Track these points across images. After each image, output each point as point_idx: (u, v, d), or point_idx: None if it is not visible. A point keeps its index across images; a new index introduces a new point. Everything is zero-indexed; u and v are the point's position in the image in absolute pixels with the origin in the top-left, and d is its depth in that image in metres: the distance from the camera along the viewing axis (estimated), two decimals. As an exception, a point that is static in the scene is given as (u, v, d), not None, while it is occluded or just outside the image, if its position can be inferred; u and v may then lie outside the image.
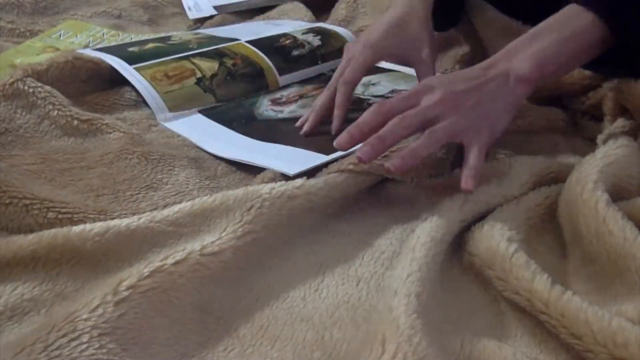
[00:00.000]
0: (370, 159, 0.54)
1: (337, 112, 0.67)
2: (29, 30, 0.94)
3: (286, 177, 0.59)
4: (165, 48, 0.81)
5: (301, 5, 1.06)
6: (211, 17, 1.06)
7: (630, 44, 0.58)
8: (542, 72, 0.57)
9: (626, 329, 0.40)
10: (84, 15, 1.02)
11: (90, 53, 0.75)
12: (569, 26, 0.58)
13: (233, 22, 1.04)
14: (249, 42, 0.84)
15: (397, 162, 0.53)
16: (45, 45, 0.85)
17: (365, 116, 0.55)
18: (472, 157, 0.54)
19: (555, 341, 0.44)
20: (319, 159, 0.62)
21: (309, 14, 1.03)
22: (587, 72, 0.69)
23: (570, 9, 0.59)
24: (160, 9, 1.09)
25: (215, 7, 1.08)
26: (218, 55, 0.80)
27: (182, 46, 0.82)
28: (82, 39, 0.88)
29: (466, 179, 0.53)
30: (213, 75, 0.76)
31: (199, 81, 0.75)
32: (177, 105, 0.72)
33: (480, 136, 0.55)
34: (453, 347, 0.42)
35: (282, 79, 0.81)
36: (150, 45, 0.83)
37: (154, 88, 0.72)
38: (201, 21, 1.06)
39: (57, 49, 0.84)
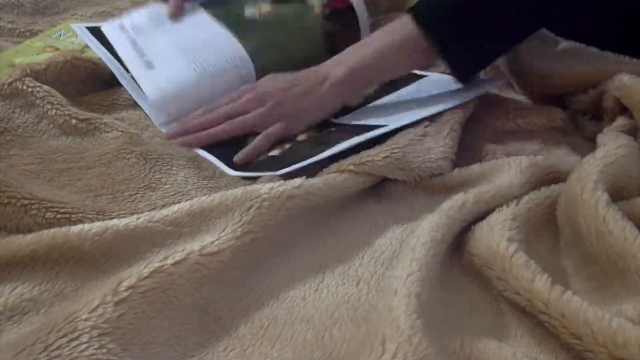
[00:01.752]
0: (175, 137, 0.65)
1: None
2: (29, 30, 0.94)
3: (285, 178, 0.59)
4: None
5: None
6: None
7: (452, 55, 0.65)
8: (355, 77, 0.66)
9: (626, 329, 0.40)
10: (84, 15, 1.02)
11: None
12: (392, 36, 0.66)
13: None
14: None
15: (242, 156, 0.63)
16: (45, 45, 0.85)
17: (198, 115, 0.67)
18: (256, 140, 0.64)
19: (555, 341, 0.44)
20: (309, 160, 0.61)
21: None
22: (586, 70, 0.69)
23: (402, 18, 0.66)
24: (159, 9, 1.09)
25: None
26: None
27: None
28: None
29: (239, 154, 0.63)
30: None
31: None
32: None
33: (287, 131, 0.66)
34: (453, 347, 0.42)
35: None
36: None
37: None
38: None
39: (57, 49, 0.84)
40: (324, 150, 0.62)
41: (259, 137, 0.64)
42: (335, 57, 0.69)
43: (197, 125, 0.66)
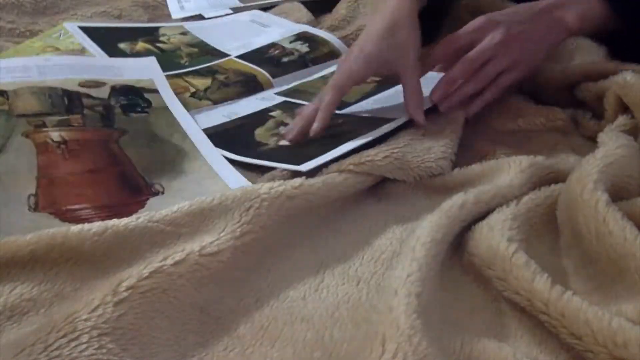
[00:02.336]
0: (440, 100, 0.65)
1: (320, 115, 0.64)
2: (29, 30, 0.94)
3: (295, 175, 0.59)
4: (156, 57, 0.81)
5: (300, 5, 1.05)
6: (196, 16, 1.06)
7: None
8: (581, 28, 0.68)
9: (626, 329, 0.40)
10: (84, 15, 1.02)
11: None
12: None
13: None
14: (239, 57, 0.86)
15: (446, 104, 0.65)
16: (45, 45, 0.85)
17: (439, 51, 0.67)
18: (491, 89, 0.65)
19: (555, 341, 0.44)
20: (330, 153, 0.61)
21: (309, 14, 1.02)
22: (590, 67, 0.70)
23: None
24: (160, 9, 1.09)
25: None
26: (210, 72, 0.82)
27: (173, 59, 0.84)
28: (82, 39, 0.88)
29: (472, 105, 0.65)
30: (207, 89, 0.78)
31: (193, 94, 0.76)
32: None
33: (519, 70, 0.66)
34: (453, 347, 0.42)
35: (276, 81, 0.81)
36: (141, 45, 0.85)
37: None
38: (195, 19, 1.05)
39: (57, 49, 0.84)
40: (339, 143, 0.62)
41: (492, 86, 0.65)
42: (551, 2, 0.68)
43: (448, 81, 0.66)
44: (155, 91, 0.70)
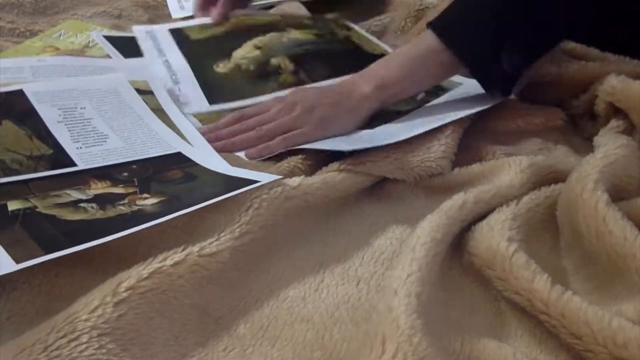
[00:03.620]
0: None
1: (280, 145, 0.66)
2: (29, 30, 0.94)
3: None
4: None
5: (300, 5, 1.05)
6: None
7: (480, 67, 0.66)
8: (382, 93, 0.67)
9: (626, 329, 0.40)
10: (84, 15, 1.02)
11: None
12: (415, 50, 0.67)
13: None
14: None
15: (254, 152, 0.63)
16: (45, 45, 0.85)
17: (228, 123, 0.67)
18: (274, 141, 0.64)
19: (555, 341, 0.44)
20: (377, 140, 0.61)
21: (308, 14, 1.02)
22: (576, 71, 0.70)
23: (424, 32, 0.68)
24: (160, 9, 1.09)
25: None
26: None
27: None
28: (82, 38, 0.88)
29: (252, 150, 0.64)
30: None
31: None
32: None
33: (309, 136, 0.64)
34: (453, 347, 0.42)
35: None
36: None
37: None
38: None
39: (57, 49, 0.84)
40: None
41: (278, 138, 0.64)
42: (360, 73, 0.69)
43: (229, 134, 0.66)
44: (150, 92, 0.70)
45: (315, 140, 0.64)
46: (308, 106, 0.65)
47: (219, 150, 0.63)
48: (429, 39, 0.67)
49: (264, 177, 0.53)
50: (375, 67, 0.69)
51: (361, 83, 0.67)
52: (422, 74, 0.68)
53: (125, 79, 0.70)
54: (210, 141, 0.65)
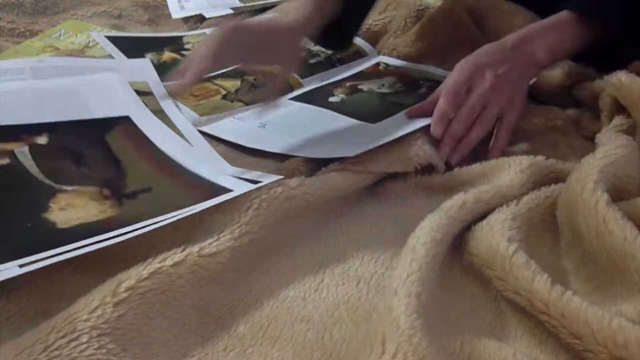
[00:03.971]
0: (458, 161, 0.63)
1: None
2: (29, 30, 0.94)
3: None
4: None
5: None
6: (196, 15, 1.06)
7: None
8: (553, 60, 0.68)
9: (626, 329, 0.40)
10: (84, 15, 1.02)
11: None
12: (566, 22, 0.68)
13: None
14: None
15: (457, 156, 0.63)
16: (45, 45, 0.85)
17: (443, 106, 0.64)
18: (503, 133, 0.65)
19: (555, 341, 0.44)
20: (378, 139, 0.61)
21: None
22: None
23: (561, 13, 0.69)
24: (160, 9, 1.09)
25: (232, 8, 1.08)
26: (238, 73, 0.82)
27: None
28: (82, 38, 0.88)
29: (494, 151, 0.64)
30: (237, 90, 0.78)
31: (224, 97, 0.77)
32: (207, 112, 0.73)
33: (514, 111, 0.66)
34: (453, 347, 0.42)
35: (304, 82, 0.82)
36: (167, 55, 0.85)
37: (181, 102, 0.73)
38: (198, 20, 1.05)
39: (57, 49, 0.84)
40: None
41: (503, 131, 0.65)
42: (517, 37, 0.68)
43: (459, 130, 0.64)
44: (150, 93, 0.70)
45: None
46: (511, 82, 0.65)
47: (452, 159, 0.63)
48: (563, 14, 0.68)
49: (264, 178, 0.54)
50: (538, 33, 0.68)
51: (534, 48, 0.67)
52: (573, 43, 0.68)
53: (121, 79, 0.69)
54: (447, 145, 0.64)
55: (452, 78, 0.65)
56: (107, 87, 0.67)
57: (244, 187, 0.51)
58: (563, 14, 0.68)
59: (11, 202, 0.48)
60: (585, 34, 0.67)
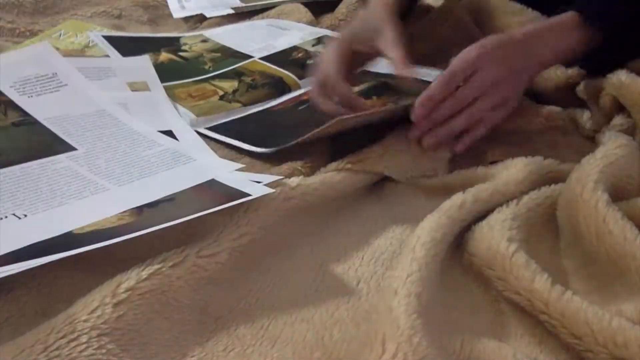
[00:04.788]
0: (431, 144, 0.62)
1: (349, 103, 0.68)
2: (29, 30, 0.94)
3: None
4: (180, 66, 0.83)
5: (300, 6, 1.05)
6: (197, 15, 1.06)
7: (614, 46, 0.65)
8: (557, 60, 0.68)
9: (626, 329, 0.40)
10: (84, 15, 1.02)
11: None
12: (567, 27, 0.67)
13: (229, 22, 1.03)
14: (263, 58, 0.86)
15: (432, 140, 0.62)
16: (45, 45, 0.85)
17: (432, 89, 0.62)
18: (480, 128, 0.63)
19: (555, 341, 0.44)
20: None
21: (308, 14, 1.02)
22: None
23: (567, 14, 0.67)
24: (160, 9, 1.09)
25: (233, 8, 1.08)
26: (236, 74, 0.82)
27: (197, 65, 0.84)
28: (82, 38, 0.88)
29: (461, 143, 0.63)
30: (235, 91, 0.78)
31: (221, 97, 0.77)
32: (204, 113, 0.72)
33: (504, 110, 0.64)
34: (453, 347, 0.42)
35: (302, 83, 0.81)
36: (164, 56, 0.85)
37: (179, 103, 0.73)
38: (198, 20, 1.05)
39: (57, 49, 0.84)
40: None
41: (480, 126, 0.63)
42: (522, 34, 0.67)
43: (444, 116, 0.63)
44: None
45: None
46: (512, 78, 0.64)
47: (432, 147, 0.62)
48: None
49: (264, 178, 0.53)
50: (543, 33, 0.67)
51: (539, 48, 0.66)
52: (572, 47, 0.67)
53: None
54: (425, 127, 0.62)
55: (452, 64, 0.63)
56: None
57: (259, 190, 0.51)
58: (569, 15, 0.66)
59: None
60: (589, 35, 0.66)
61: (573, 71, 0.71)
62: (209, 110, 0.73)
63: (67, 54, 0.82)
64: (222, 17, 1.05)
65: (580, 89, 0.70)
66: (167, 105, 0.70)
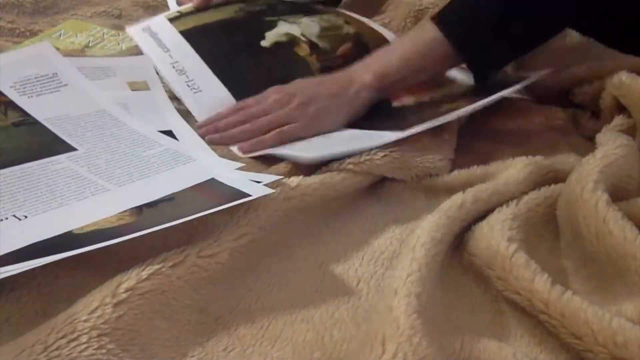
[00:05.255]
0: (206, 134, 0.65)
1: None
2: (29, 30, 0.94)
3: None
4: None
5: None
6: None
7: (478, 60, 0.67)
8: (382, 83, 0.67)
9: (626, 329, 0.40)
10: (84, 15, 1.02)
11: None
12: (417, 41, 0.68)
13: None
14: None
15: (246, 146, 0.63)
16: (44, 45, 0.85)
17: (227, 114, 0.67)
18: (269, 135, 0.64)
19: (555, 341, 0.44)
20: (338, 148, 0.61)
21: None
22: (587, 67, 0.70)
23: (425, 24, 0.68)
24: (160, 9, 1.09)
25: None
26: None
27: None
28: (82, 38, 0.88)
29: (245, 143, 0.64)
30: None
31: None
32: None
33: (300, 128, 0.65)
34: (453, 347, 0.42)
35: None
36: None
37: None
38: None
39: (57, 49, 0.84)
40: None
41: (273, 132, 0.64)
42: (361, 62, 0.69)
43: (226, 126, 0.66)
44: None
45: (310, 136, 0.64)
46: (305, 99, 0.65)
47: (215, 144, 0.63)
48: (430, 31, 0.67)
49: (264, 178, 0.53)
50: (375, 56, 0.69)
51: (361, 72, 0.68)
52: (422, 63, 0.68)
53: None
54: (208, 133, 0.65)
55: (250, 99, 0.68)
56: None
57: (260, 191, 0.51)
58: (432, 32, 0.67)
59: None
60: (435, 51, 0.67)
61: (573, 72, 0.71)
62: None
63: (67, 54, 0.82)
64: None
65: (579, 90, 0.70)
66: (167, 105, 0.70)
